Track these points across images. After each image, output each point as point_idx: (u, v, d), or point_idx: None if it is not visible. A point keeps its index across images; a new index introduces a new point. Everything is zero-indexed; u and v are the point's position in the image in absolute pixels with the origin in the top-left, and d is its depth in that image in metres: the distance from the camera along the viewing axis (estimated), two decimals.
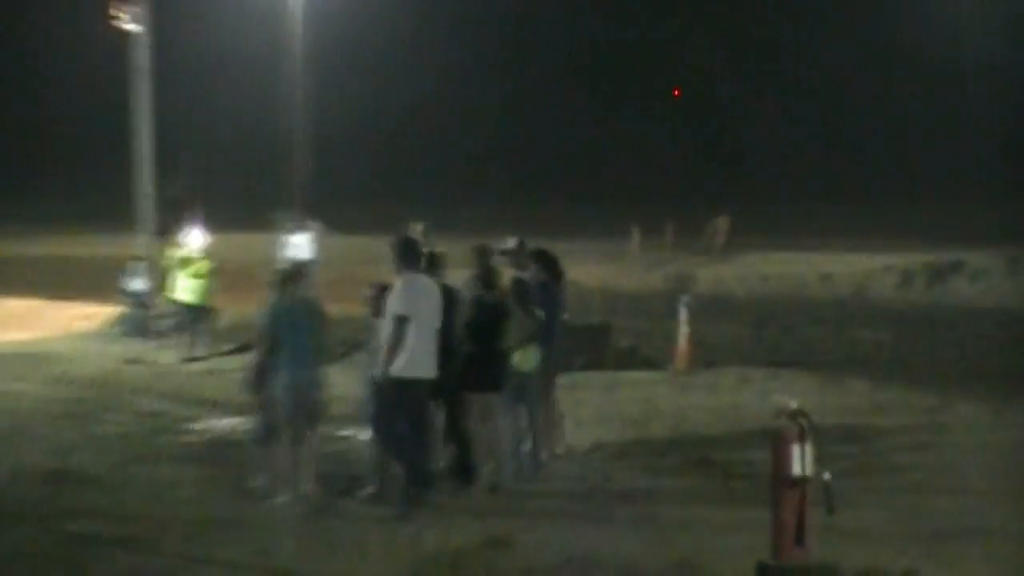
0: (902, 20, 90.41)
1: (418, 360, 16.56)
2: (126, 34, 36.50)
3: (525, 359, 18.16)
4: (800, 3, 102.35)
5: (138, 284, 29.70)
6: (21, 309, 38.42)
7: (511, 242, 20.10)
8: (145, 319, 29.54)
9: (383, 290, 17.42)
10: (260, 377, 17.66)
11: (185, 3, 71.05)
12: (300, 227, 30.34)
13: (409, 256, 17.23)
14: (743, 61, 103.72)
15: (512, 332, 17.88)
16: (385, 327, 16.59)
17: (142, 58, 36.36)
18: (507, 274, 18.85)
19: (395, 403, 16.63)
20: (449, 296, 18.02)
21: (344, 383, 20.15)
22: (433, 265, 18.61)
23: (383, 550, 14.10)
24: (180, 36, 62.55)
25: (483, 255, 18.54)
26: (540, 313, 18.47)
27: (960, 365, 27.94)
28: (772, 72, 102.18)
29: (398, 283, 16.89)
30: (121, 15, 36.36)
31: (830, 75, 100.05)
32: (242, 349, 26.33)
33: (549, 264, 20.10)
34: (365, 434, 17.54)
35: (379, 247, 20.02)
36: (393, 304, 16.62)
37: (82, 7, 42.04)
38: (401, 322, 16.46)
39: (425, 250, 19.87)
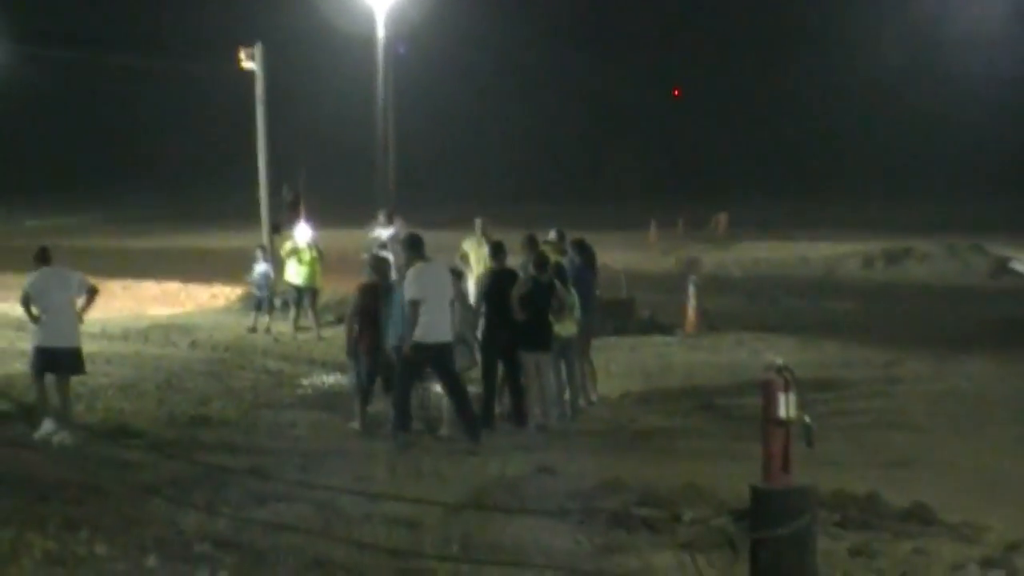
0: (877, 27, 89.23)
1: (435, 328, 16.64)
2: (250, 72, 36.68)
3: (564, 327, 18.31)
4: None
5: (260, 269, 29.74)
6: (169, 289, 38.60)
7: (552, 233, 20.25)
8: (265, 297, 29.61)
9: (381, 260, 17.66)
10: (354, 342, 17.80)
11: (296, 45, 71.23)
12: (387, 223, 30.34)
13: (415, 248, 17.27)
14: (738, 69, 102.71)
15: (554, 306, 18.02)
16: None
17: (260, 90, 36.51)
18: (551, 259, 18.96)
19: (419, 363, 16.76)
20: (510, 277, 18.17)
21: None
22: (496, 252, 18.78)
23: (456, 476, 14.18)
24: (293, 71, 62.54)
25: (533, 244, 18.68)
26: (573, 292, 18.61)
27: (911, 330, 27.89)
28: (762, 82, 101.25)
29: (409, 272, 16.94)
30: (243, 57, 36.53)
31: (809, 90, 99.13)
32: (340, 320, 26.40)
33: (586, 252, 20.26)
34: (436, 386, 17.58)
35: (454, 239, 20.15)
36: (407, 290, 16.70)
37: (215, 53, 42.06)
38: (414, 304, 16.56)
39: (487, 239, 20.01)
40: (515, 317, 17.70)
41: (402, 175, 39.64)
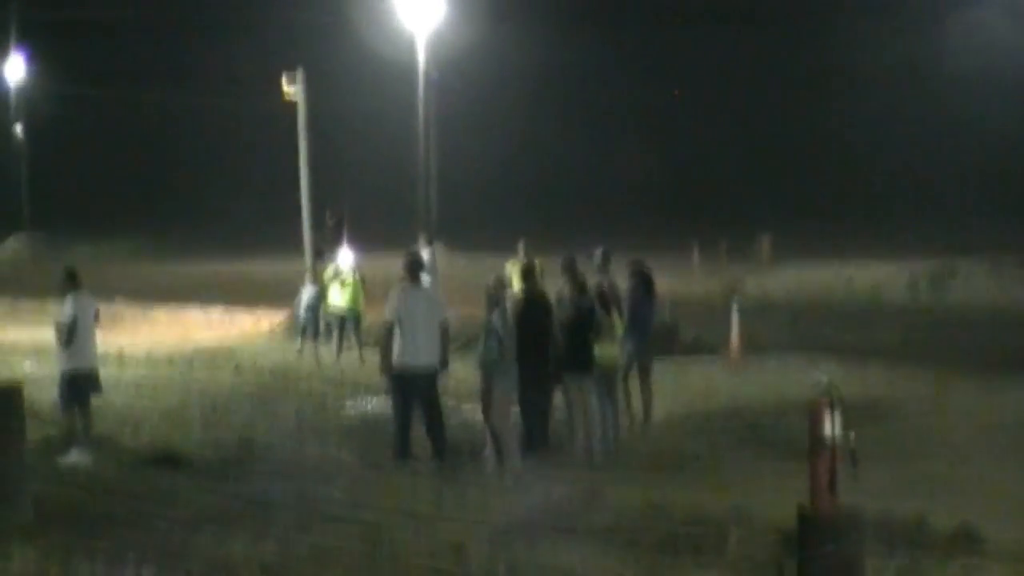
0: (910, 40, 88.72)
1: (412, 353, 16.64)
2: (292, 101, 36.91)
3: (607, 350, 18.33)
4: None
5: (303, 295, 29.89)
6: (214, 316, 38.76)
7: (598, 253, 20.24)
8: (309, 322, 29.72)
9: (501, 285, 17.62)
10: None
11: (337, 73, 71.45)
12: (426, 247, 30.48)
13: (409, 270, 17.32)
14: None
15: (595, 330, 18.08)
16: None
17: (302, 116, 36.71)
18: (593, 279, 19.03)
19: (404, 388, 16.80)
20: (541, 300, 18.24)
21: (463, 369, 20.27)
22: (526, 275, 18.80)
23: (501, 500, 14.19)
24: (335, 98, 62.79)
25: (571, 267, 18.62)
26: (615, 315, 18.67)
27: (956, 353, 27.76)
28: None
29: (391, 292, 17.01)
30: (286, 83, 36.78)
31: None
32: None
33: (644, 277, 20.36)
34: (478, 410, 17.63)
35: (495, 263, 20.20)
36: (385, 310, 16.82)
37: (257, 81, 42.38)
38: (388, 326, 16.73)
39: (524, 261, 20.15)
40: (557, 343, 17.76)
41: (445, 198, 39.79)
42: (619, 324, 18.75)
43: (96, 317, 18.37)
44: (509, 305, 17.50)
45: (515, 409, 17.39)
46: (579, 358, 17.87)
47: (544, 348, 17.74)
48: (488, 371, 16.88)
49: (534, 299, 18.29)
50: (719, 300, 33.31)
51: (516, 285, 24.73)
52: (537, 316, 17.86)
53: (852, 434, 9.07)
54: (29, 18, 78.08)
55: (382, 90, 69.43)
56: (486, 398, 16.94)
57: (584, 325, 17.88)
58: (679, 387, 23.16)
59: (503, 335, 17.05)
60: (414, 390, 16.73)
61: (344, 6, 65.06)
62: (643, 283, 20.23)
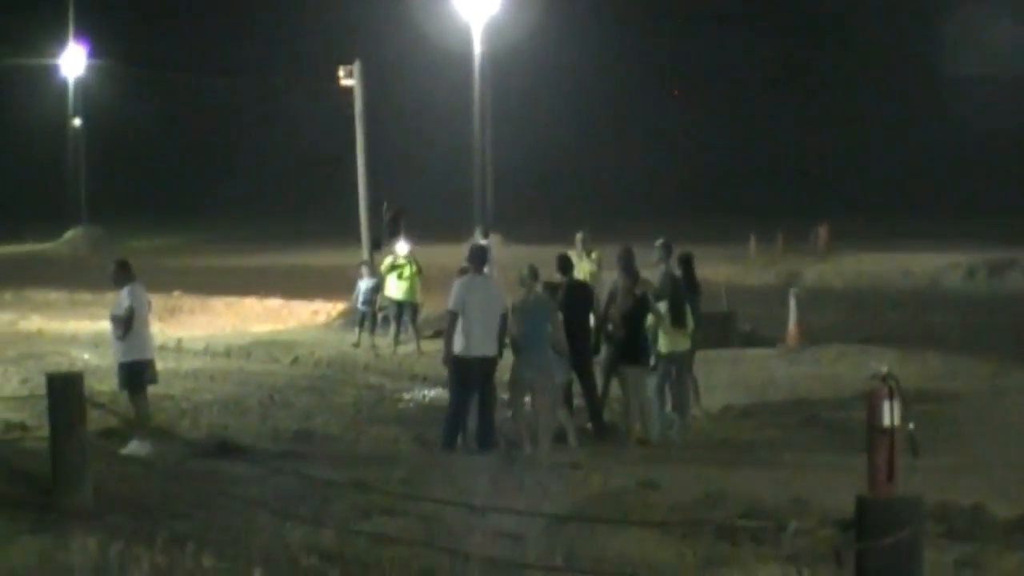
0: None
1: (474, 342, 16.74)
2: (349, 89, 36.95)
3: (676, 342, 18.42)
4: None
5: (363, 285, 29.94)
6: (272, 306, 38.89)
7: (658, 243, 20.23)
8: (367, 313, 29.78)
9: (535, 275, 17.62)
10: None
11: (394, 63, 71.71)
12: (484, 238, 30.50)
13: (473, 260, 17.45)
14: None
15: (651, 321, 18.16)
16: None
17: (359, 107, 36.73)
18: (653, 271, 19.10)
19: (464, 377, 16.92)
20: (581, 290, 18.40)
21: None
22: (564, 267, 19.00)
23: (558, 490, 14.19)
24: (392, 88, 62.99)
25: (626, 259, 18.71)
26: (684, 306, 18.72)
27: (1015, 342, 27.59)
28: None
29: (455, 283, 17.08)
30: (343, 75, 36.81)
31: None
32: (440, 335, 26.53)
33: (687, 268, 20.38)
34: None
35: (549, 254, 20.20)
36: (449, 300, 16.90)
37: (315, 73, 42.50)
38: (452, 316, 16.78)
39: (587, 253, 20.24)
40: (615, 333, 17.87)
41: (502, 190, 39.79)
42: (689, 317, 18.80)
43: (149, 308, 18.44)
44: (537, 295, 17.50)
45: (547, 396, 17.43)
46: (633, 349, 17.93)
47: (583, 336, 17.89)
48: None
49: (574, 289, 18.54)
50: (776, 290, 33.21)
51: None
52: (577, 305, 17.98)
53: (912, 425, 9.03)
54: (87, 8, 78.46)
55: (437, 79, 69.59)
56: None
57: (638, 316, 17.93)
58: (736, 377, 23.13)
59: (517, 320, 17.13)
60: (472, 378, 16.84)
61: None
62: (685, 274, 20.23)
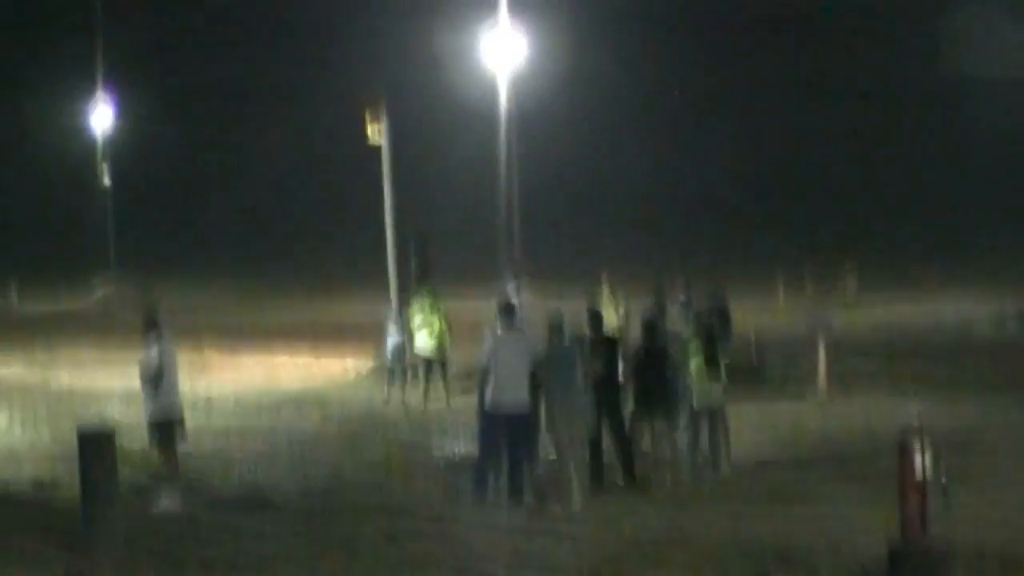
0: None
1: (504, 397, 16.98)
2: (376, 147, 37.07)
3: (708, 392, 18.55)
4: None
5: (392, 341, 29.91)
6: (301, 362, 38.91)
7: (681, 295, 20.39)
8: (396, 369, 29.75)
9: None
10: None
11: (419, 118, 71.94)
12: (514, 283, 30.60)
13: (504, 314, 17.65)
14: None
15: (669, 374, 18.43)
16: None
17: (387, 166, 36.82)
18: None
19: (494, 431, 17.22)
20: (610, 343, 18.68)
21: None
22: (597, 320, 19.09)
23: (589, 535, 14.22)
24: (416, 141, 63.24)
25: (650, 320, 18.97)
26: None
27: None
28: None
29: (486, 335, 17.25)
30: (370, 134, 36.88)
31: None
32: (470, 391, 26.53)
33: (724, 318, 20.57)
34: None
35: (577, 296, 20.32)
36: (480, 356, 17.15)
37: (341, 120, 42.75)
38: (483, 372, 17.14)
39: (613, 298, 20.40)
40: (627, 388, 18.18)
41: (528, 230, 39.84)
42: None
43: (176, 365, 18.47)
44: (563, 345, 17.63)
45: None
46: (650, 402, 18.16)
47: (611, 383, 17.98)
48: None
49: (599, 338, 18.75)
50: (805, 336, 33.13)
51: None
52: (603, 353, 18.22)
53: (944, 477, 9.04)
54: (114, 64, 78.82)
55: (463, 129, 69.79)
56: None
57: (657, 369, 18.13)
58: (766, 423, 23.12)
59: (544, 370, 17.25)
60: (501, 429, 16.93)
61: (426, 47, 65.60)
62: (721, 323, 20.41)
